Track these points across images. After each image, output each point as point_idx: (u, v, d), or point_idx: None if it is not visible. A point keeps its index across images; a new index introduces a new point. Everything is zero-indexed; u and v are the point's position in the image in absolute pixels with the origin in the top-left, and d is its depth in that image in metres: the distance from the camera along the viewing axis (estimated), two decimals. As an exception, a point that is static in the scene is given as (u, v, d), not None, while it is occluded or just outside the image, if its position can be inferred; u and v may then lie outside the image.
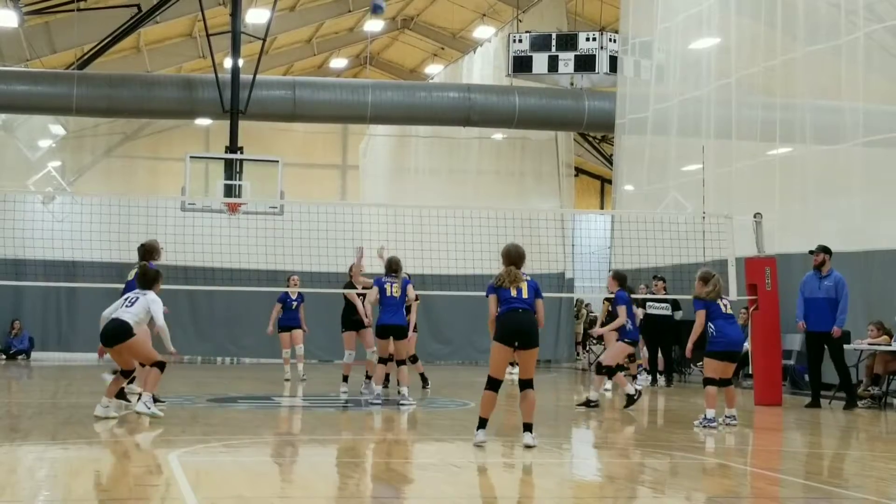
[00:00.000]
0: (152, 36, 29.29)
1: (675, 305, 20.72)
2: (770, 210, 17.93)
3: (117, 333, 11.88)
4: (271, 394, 16.98)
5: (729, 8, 20.83)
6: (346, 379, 16.44)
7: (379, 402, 14.69)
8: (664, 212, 19.19)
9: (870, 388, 16.11)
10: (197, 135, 30.47)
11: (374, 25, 31.39)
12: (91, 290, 22.25)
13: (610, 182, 31.37)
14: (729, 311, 12.96)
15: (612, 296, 18.26)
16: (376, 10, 15.88)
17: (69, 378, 17.22)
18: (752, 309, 16.63)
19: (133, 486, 8.13)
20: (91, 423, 11.89)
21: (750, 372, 17.76)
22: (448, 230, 18.95)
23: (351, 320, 16.69)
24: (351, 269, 17.13)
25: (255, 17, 25.58)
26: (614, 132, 25.30)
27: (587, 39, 24.62)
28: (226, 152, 22.64)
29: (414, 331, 17.75)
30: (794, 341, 18.79)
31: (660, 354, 20.85)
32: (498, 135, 29.86)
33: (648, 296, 20.57)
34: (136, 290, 12.21)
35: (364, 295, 16.39)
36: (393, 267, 14.86)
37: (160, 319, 12.01)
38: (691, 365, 22.05)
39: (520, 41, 25.04)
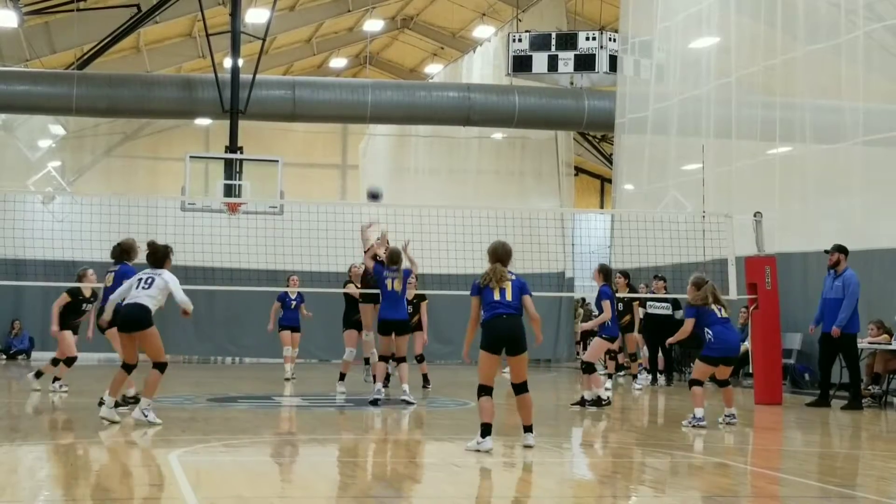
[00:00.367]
0: (152, 36, 29.30)
1: (676, 305, 20.71)
2: (770, 209, 17.92)
3: (140, 318, 11.28)
4: (271, 393, 16.97)
5: (729, 7, 20.83)
6: (342, 377, 16.39)
7: (380, 397, 14.66)
8: (664, 211, 19.19)
9: (870, 387, 16.10)
10: (197, 135, 30.47)
11: (373, 25, 31.40)
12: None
13: (610, 181, 31.37)
14: (725, 315, 12.87)
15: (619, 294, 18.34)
16: (375, 198, 15.90)
17: (69, 378, 17.15)
18: (751, 308, 16.62)
19: (133, 486, 8.13)
20: (91, 423, 11.89)
21: (750, 371, 17.76)
22: (448, 230, 18.94)
23: (352, 320, 16.65)
24: (350, 269, 17.10)
25: (255, 16, 25.58)
26: (614, 131, 25.31)
27: (587, 39, 24.62)
28: (226, 152, 22.65)
29: (420, 329, 17.73)
30: (795, 340, 18.80)
31: (660, 354, 20.83)
32: (498, 134, 29.86)
33: (649, 295, 20.56)
34: (148, 270, 11.64)
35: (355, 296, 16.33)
36: (394, 259, 14.69)
37: (180, 294, 11.51)
38: (691, 364, 22.03)
39: (519, 41, 25.05)
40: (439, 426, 13.14)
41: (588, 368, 14.97)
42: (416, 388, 16.80)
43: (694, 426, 12.50)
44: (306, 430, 12.66)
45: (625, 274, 19.14)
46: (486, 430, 9.88)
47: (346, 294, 17.08)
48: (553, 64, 24.83)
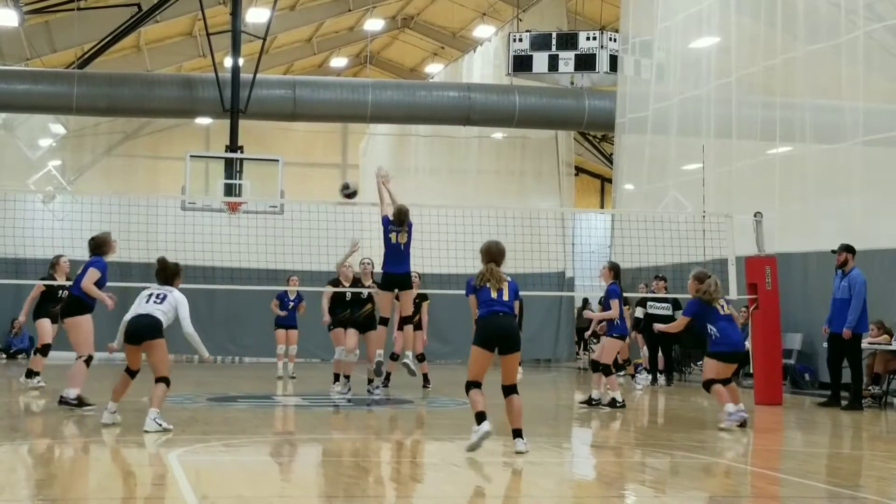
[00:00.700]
0: (152, 35, 29.30)
1: (676, 305, 20.70)
2: (770, 209, 17.92)
3: (152, 328, 11.09)
4: (271, 393, 16.97)
5: (729, 7, 20.83)
6: (337, 378, 16.34)
7: (378, 395, 14.65)
8: (664, 211, 19.19)
9: (870, 388, 16.09)
10: (197, 134, 30.47)
11: (374, 25, 31.40)
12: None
13: (610, 181, 31.36)
14: (728, 312, 12.86)
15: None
16: (347, 191, 15.91)
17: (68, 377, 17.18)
18: (752, 308, 16.61)
19: (133, 486, 8.13)
20: (91, 423, 11.89)
21: (750, 371, 17.75)
22: (448, 229, 18.94)
23: (339, 319, 16.62)
24: (338, 267, 17.09)
25: (256, 16, 25.58)
26: (614, 131, 25.31)
27: (587, 39, 24.62)
28: (226, 151, 22.65)
29: (420, 329, 17.70)
30: (795, 340, 18.79)
31: (660, 353, 20.83)
32: (498, 134, 29.86)
33: (649, 295, 20.56)
34: (157, 286, 11.55)
35: (342, 294, 16.32)
36: (401, 217, 14.54)
37: (188, 325, 11.29)
38: (691, 364, 22.05)
39: (520, 40, 25.04)
40: (439, 426, 13.14)
41: (606, 370, 14.93)
42: (416, 388, 16.81)
43: (731, 422, 12.40)
44: (306, 429, 12.67)
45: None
46: (481, 416, 9.70)
47: (334, 292, 17.04)
48: (553, 64, 24.83)
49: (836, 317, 15.34)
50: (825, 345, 16.15)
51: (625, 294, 19.45)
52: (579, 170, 35.23)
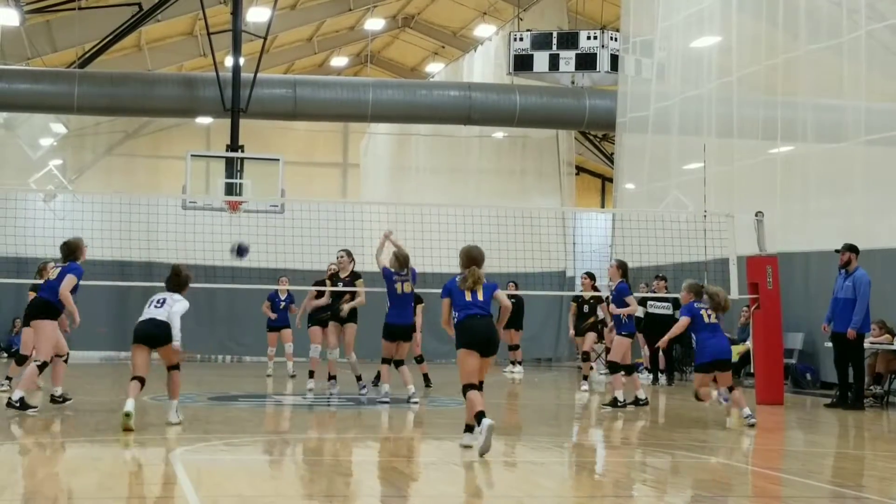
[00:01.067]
0: (153, 34, 29.29)
1: (677, 304, 20.70)
2: (771, 208, 17.91)
3: (161, 334, 11.38)
4: (272, 392, 16.96)
5: (730, 6, 20.82)
6: (311, 374, 16.29)
7: (388, 399, 14.65)
8: (665, 210, 19.17)
9: (872, 387, 16.08)
10: (198, 133, 30.46)
11: (374, 24, 31.39)
12: (91, 288, 22.20)
13: (611, 180, 31.35)
14: (712, 321, 12.86)
15: (585, 295, 18.09)
16: (241, 252, 15.81)
17: (69, 376, 17.14)
18: (753, 308, 16.59)
19: (134, 485, 8.12)
20: (92, 421, 11.88)
21: (751, 371, 17.74)
22: (449, 228, 18.91)
23: (316, 317, 16.67)
24: (329, 266, 17.04)
25: (256, 15, 25.57)
26: (615, 130, 25.29)
27: (588, 38, 24.60)
28: (227, 151, 22.64)
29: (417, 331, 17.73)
30: (796, 340, 18.78)
31: (660, 353, 20.82)
32: (499, 133, 29.85)
33: (650, 294, 20.55)
34: (164, 293, 11.69)
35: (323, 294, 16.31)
36: (401, 262, 14.61)
37: (177, 316, 11.55)
38: (693, 364, 22.02)
39: (520, 40, 25.03)
40: (440, 425, 13.13)
41: (628, 370, 14.92)
42: (418, 388, 16.80)
43: (721, 402, 12.77)
44: (307, 428, 12.66)
45: (590, 275, 18.80)
46: (481, 416, 9.69)
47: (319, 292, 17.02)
48: (554, 63, 24.81)
49: (838, 317, 15.31)
50: (826, 344, 16.14)
51: (595, 293, 19.41)
52: (580, 169, 35.21)
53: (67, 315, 13.04)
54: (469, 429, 10.04)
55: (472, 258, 10.37)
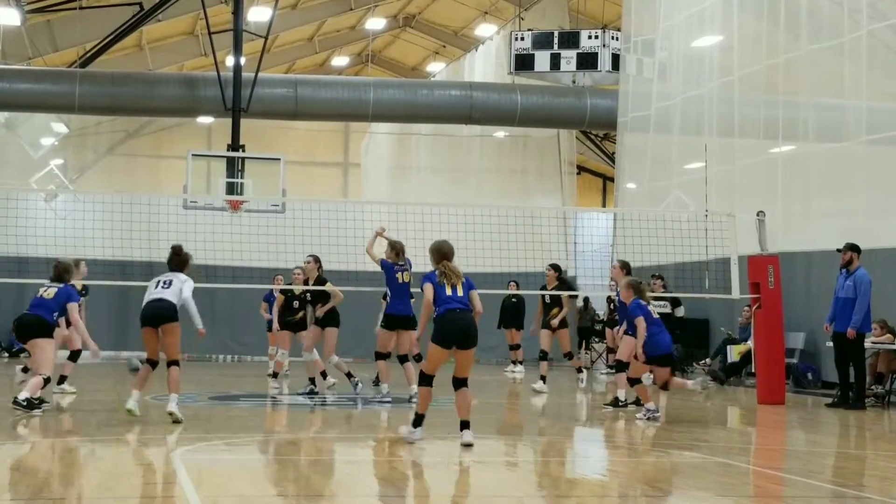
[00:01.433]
0: (154, 34, 29.29)
1: (675, 303, 20.69)
2: (773, 208, 17.90)
3: (167, 312, 11.76)
4: (273, 392, 16.94)
5: (731, 6, 20.80)
6: (275, 375, 16.36)
7: (389, 399, 14.64)
8: (667, 210, 19.16)
9: (873, 387, 16.06)
10: (199, 133, 30.45)
11: (375, 24, 31.38)
12: (93, 288, 22.21)
13: (612, 180, 31.35)
14: (656, 317, 13.39)
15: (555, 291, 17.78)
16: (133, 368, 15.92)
17: (71, 375, 17.10)
18: (754, 307, 16.57)
19: (135, 485, 8.11)
20: (93, 421, 11.88)
21: (753, 370, 17.73)
22: (450, 228, 18.86)
23: (286, 321, 16.75)
24: (294, 270, 17.06)
25: (257, 15, 25.58)
26: (616, 130, 25.27)
27: (589, 37, 24.57)
28: (228, 150, 22.63)
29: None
30: (798, 340, 18.77)
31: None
32: (500, 133, 29.84)
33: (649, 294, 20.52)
34: (168, 273, 12.09)
35: (304, 293, 16.29)
36: (396, 250, 14.65)
37: (189, 298, 11.98)
38: (693, 363, 22.02)
39: (522, 39, 25.00)
40: (440, 425, 13.11)
41: (620, 366, 14.93)
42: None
43: (649, 419, 12.90)
44: (308, 428, 12.65)
45: (554, 267, 18.09)
46: (419, 420, 10.17)
47: (287, 295, 17.03)
48: (555, 62, 24.79)
49: (839, 316, 15.29)
50: (828, 344, 16.13)
51: (559, 292, 19.19)
52: (581, 169, 35.21)
53: (84, 345, 13.26)
54: (418, 421, 10.28)
55: (443, 253, 10.46)
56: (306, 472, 9.30)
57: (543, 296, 17.80)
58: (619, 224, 22.93)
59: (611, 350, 23.43)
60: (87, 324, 13.78)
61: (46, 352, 12.66)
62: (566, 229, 28.51)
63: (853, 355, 15.30)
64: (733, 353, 20.10)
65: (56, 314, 12.69)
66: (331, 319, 15.58)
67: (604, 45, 24.34)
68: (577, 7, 28.15)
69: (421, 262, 18.00)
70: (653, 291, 20.37)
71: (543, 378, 17.37)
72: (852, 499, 8.06)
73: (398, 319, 14.58)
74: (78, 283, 15.36)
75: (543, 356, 17.66)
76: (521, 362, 22.74)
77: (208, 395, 15.85)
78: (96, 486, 7.91)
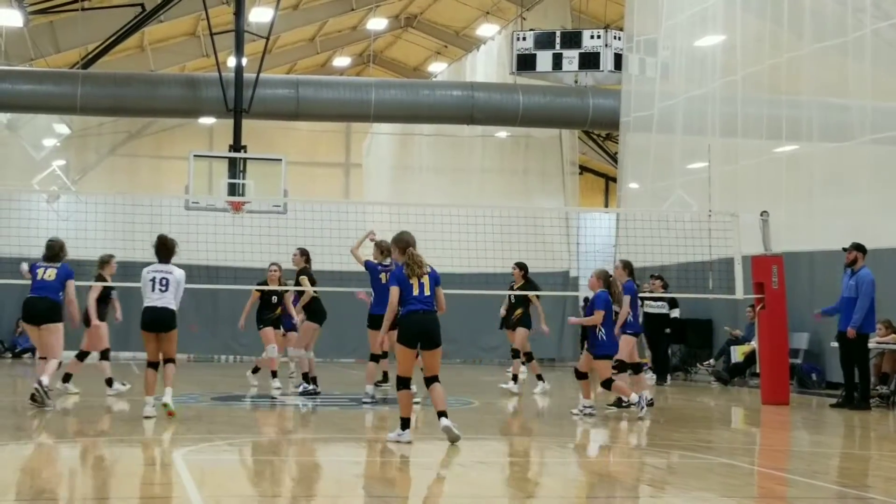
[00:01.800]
0: (156, 35, 29.27)
1: (673, 304, 20.66)
2: (777, 208, 17.85)
3: (170, 321, 12.23)
4: (275, 392, 16.90)
5: (734, 5, 20.75)
6: (275, 374, 16.32)
7: (373, 401, 14.62)
8: (670, 210, 19.13)
9: (878, 387, 16.02)
10: (200, 133, 30.43)
11: (377, 24, 31.36)
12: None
13: (615, 180, 31.31)
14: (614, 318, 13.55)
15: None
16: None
17: (74, 377, 17.07)
18: (758, 308, 16.54)
19: (138, 485, 8.09)
20: (96, 422, 11.86)
21: (757, 371, 17.69)
22: (452, 228, 18.88)
23: (265, 318, 16.71)
24: (271, 267, 17.00)
25: (259, 15, 25.54)
26: (619, 130, 25.23)
27: (592, 37, 24.51)
28: (229, 151, 22.59)
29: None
30: (802, 340, 18.72)
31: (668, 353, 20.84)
32: (502, 133, 29.80)
33: (646, 294, 20.50)
34: (158, 266, 12.38)
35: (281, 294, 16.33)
36: (381, 249, 14.72)
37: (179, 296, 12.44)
38: (697, 364, 22.00)
39: (524, 39, 24.95)
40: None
41: (635, 369, 14.90)
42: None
43: (586, 415, 13.18)
44: (310, 429, 12.63)
45: (521, 266, 17.77)
46: (405, 423, 10.20)
47: (263, 293, 17.00)
48: (557, 62, 24.73)
49: (844, 315, 15.25)
50: (833, 344, 16.09)
51: (522, 292, 19.10)
52: (583, 169, 35.16)
53: (68, 318, 13.41)
54: (405, 424, 10.29)
55: (406, 242, 10.60)
56: (308, 473, 9.27)
57: (510, 295, 17.58)
58: (622, 224, 22.88)
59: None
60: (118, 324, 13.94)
61: (59, 336, 13.15)
62: (569, 230, 28.48)
63: (856, 355, 15.25)
64: (737, 354, 20.07)
65: (60, 294, 13.13)
66: (310, 314, 15.61)
67: (606, 45, 24.28)
68: (579, 7, 28.11)
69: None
70: (651, 292, 20.37)
71: (515, 377, 17.32)
72: (857, 500, 8.02)
73: (379, 319, 14.54)
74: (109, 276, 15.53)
75: (515, 354, 17.55)
76: (523, 363, 22.67)
77: (210, 395, 15.83)
78: (99, 486, 7.89)
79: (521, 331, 17.41)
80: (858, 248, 15.27)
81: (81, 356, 15.53)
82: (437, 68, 33.60)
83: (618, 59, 24.21)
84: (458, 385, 17.90)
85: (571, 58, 24.57)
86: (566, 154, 29.64)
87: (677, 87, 22.65)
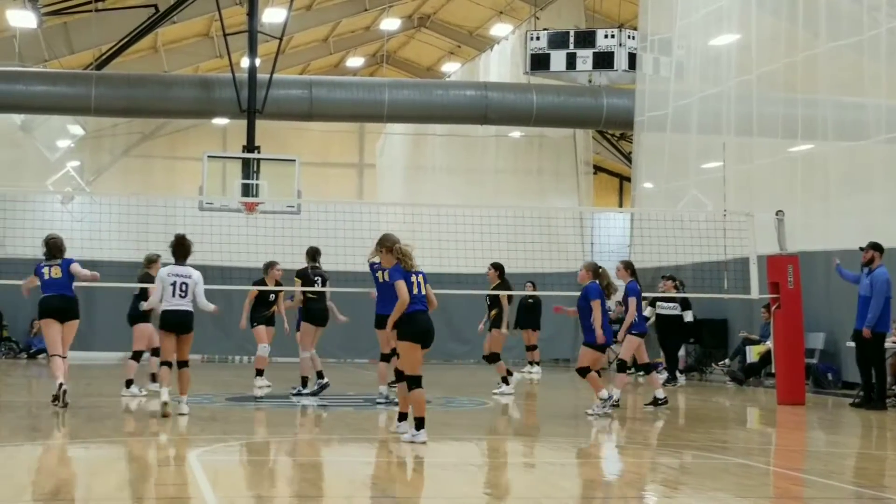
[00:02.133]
0: (170, 36, 29.32)
1: (685, 304, 20.56)
2: (792, 207, 17.77)
3: (190, 326, 12.71)
4: (290, 393, 16.90)
5: (749, 3, 20.68)
6: (260, 373, 16.28)
7: (387, 401, 14.61)
8: (684, 209, 19.07)
9: (893, 387, 15.93)
10: (214, 134, 30.49)
11: (390, 24, 31.36)
12: (110, 290, 22.22)
13: (629, 180, 31.24)
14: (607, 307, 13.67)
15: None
16: None
17: (88, 377, 17.20)
18: (774, 307, 16.46)
19: (153, 486, 8.09)
20: (111, 423, 11.87)
21: (772, 371, 17.61)
22: (465, 229, 18.86)
23: (261, 316, 16.70)
24: (272, 268, 16.94)
25: (272, 16, 25.56)
26: (633, 129, 25.17)
27: (605, 37, 24.47)
28: (243, 151, 22.62)
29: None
30: (818, 340, 18.63)
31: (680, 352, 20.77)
32: (515, 133, 29.77)
33: (659, 294, 20.47)
34: (176, 269, 12.77)
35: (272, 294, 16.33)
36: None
37: (203, 301, 12.92)
38: (712, 363, 21.92)
39: (537, 39, 24.91)
40: (457, 426, 13.06)
41: (647, 369, 14.86)
42: (438, 388, 16.74)
43: (605, 408, 13.16)
44: (325, 429, 12.62)
45: (496, 266, 17.28)
46: (420, 423, 10.27)
47: (259, 292, 16.98)
48: (571, 62, 24.68)
49: (860, 314, 15.18)
50: (849, 343, 16.01)
51: (643, 294, 19.22)
52: (597, 168, 35.06)
53: (89, 279, 13.94)
54: (420, 424, 10.37)
55: (392, 241, 10.91)
56: (323, 473, 9.26)
57: (486, 296, 17.35)
58: (637, 224, 22.85)
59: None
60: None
61: (73, 332, 13.54)
62: (583, 230, 28.44)
63: (872, 355, 15.17)
64: (752, 354, 19.99)
65: (73, 287, 13.63)
66: (306, 315, 15.81)
67: (620, 45, 24.22)
68: (593, 6, 28.06)
69: (437, 263, 18.05)
70: (663, 292, 20.33)
71: (505, 380, 17.01)
72: (873, 500, 7.98)
73: (386, 319, 14.51)
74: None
75: (494, 358, 17.17)
76: (538, 363, 22.67)
77: (225, 396, 15.84)
78: (114, 486, 7.89)
79: (495, 333, 17.04)
80: (875, 247, 15.20)
81: (136, 357, 15.71)
82: (451, 68, 33.59)
83: (632, 58, 24.15)
84: (473, 386, 17.91)
85: (585, 57, 24.53)
86: (580, 154, 29.59)
87: (692, 87, 22.58)
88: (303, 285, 15.97)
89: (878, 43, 17.26)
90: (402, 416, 10.73)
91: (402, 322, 10.45)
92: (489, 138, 29.55)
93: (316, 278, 16.09)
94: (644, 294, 19.54)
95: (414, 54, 35.56)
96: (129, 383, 15.38)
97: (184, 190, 26.82)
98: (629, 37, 24.23)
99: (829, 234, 18.33)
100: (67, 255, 14.12)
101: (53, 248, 13.80)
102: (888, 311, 15.06)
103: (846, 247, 16.74)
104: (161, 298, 12.72)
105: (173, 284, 12.65)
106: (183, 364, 12.68)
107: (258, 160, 21.99)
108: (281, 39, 24.19)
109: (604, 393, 13.30)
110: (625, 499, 8.11)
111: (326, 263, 17.15)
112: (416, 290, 10.46)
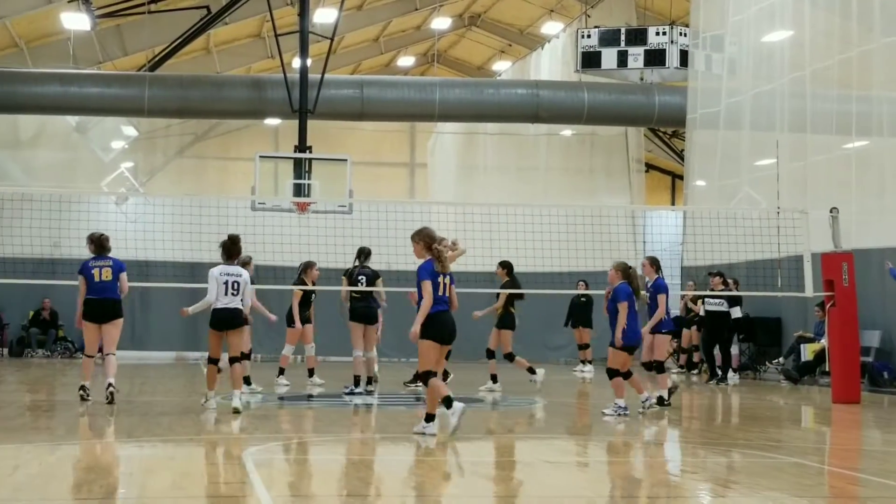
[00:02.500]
0: (222, 37, 29.54)
1: (731, 301, 20.39)
2: (846, 204, 17.58)
3: (239, 320, 12.93)
4: (343, 392, 16.98)
5: (802, 0, 20.49)
6: (282, 371, 16.79)
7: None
8: (737, 207, 18.92)
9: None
10: (266, 134, 30.67)
11: (441, 23, 31.39)
12: (163, 290, 22.47)
13: (681, 178, 31.04)
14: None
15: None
16: None
17: (143, 377, 17.35)
18: (829, 305, 16.30)
19: (207, 484, 8.15)
20: (165, 421, 11.98)
21: (827, 369, 17.43)
22: (517, 228, 18.85)
23: (304, 315, 16.86)
24: (309, 269, 17.00)
25: (323, 16, 25.67)
26: (685, 127, 25.03)
27: (657, 34, 24.35)
28: (295, 152, 22.74)
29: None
30: (873, 338, 18.42)
31: (716, 350, 20.62)
32: (567, 131, 29.68)
33: (707, 292, 20.33)
34: (228, 268, 12.97)
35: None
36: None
37: (250, 301, 13.46)
38: (766, 362, 21.73)
39: (588, 36, 24.84)
40: (511, 426, 13.05)
41: (659, 367, 14.77)
42: (479, 385, 16.75)
43: (619, 415, 12.93)
44: (378, 428, 12.65)
45: (504, 265, 17.35)
46: (449, 400, 10.38)
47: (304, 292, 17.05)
48: (623, 59, 24.59)
49: None
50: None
51: (696, 292, 19.14)
52: (649, 166, 34.89)
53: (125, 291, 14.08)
54: (430, 418, 10.60)
55: (431, 237, 10.89)
56: (377, 472, 9.28)
57: (496, 294, 17.41)
58: (689, 222, 22.68)
59: (683, 350, 23.22)
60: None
61: (120, 330, 14.03)
62: (635, 228, 28.30)
63: None
64: (807, 352, 19.80)
65: (118, 289, 13.85)
66: (350, 315, 16.09)
67: (672, 42, 24.10)
68: (645, 3, 27.90)
69: (489, 262, 18.04)
70: (711, 289, 20.18)
71: (531, 370, 17.02)
72: (933, 500, 7.87)
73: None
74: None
75: (491, 355, 17.24)
76: (590, 362, 22.61)
77: (278, 394, 15.92)
78: (169, 485, 7.96)
79: (505, 332, 17.12)
80: None
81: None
82: (502, 67, 33.56)
83: (683, 55, 24.01)
84: (524, 384, 17.84)
85: (637, 55, 24.42)
86: (632, 152, 29.45)
87: (744, 83, 22.41)
88: (347, 285, 16.06)
89: (934, 37, 17.04)
90: (430, 417, 10.73)
91: (425, 322, 10.55)
92: (540, 137, 29.48)
93: (360, 277, 16.10)
94: (696, 291, 19.50)
95: (464, 53, 35.57)
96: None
97: (236, 190, 27.00)
98: (681, 34, 24.10)
99: (884, 231, 18.12)
100: (121, 256, 14.32)
101: (105, 242, 13.99)
102: None
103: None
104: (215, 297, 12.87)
105: (226, 283, 12.86)
106: (234, 359, 12.90)
107: (310, 160, 22.09)
108: (332, 39, 24.29)
109: (623, 401, 13.18)
110: (679, 498, 8.06)
111: (377, 263, 17.23)
112: (440, 292, 10.59)
